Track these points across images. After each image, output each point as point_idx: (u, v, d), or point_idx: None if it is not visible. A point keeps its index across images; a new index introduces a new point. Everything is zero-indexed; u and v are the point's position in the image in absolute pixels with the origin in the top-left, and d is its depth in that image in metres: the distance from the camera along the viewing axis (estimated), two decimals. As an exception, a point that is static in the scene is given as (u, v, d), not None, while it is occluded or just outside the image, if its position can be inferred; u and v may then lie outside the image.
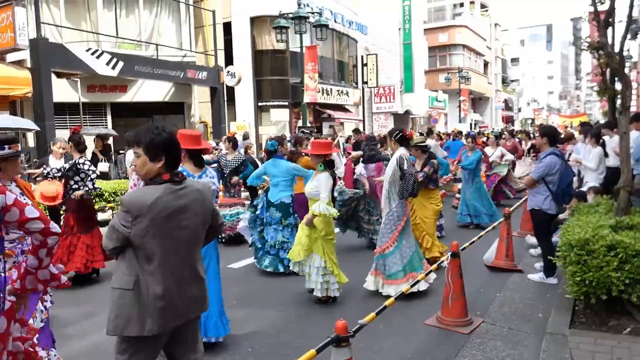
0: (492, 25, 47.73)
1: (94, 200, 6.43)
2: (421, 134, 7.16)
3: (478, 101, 45.64)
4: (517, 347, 3.96)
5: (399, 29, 29.03)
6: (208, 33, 17.04)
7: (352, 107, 24.92)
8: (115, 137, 14.51)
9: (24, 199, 3.32)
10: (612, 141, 7.34)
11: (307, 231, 4.96)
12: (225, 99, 17.29)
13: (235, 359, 3.89)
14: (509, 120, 52.75)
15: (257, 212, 6.39)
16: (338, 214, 4.86)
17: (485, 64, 45.21)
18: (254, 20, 19.59)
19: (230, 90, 18.06)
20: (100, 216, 8.71)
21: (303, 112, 17.03)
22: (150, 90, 16.02)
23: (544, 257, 5.55)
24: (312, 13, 16.92)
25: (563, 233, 4.42)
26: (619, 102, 5.77)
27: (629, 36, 5.23)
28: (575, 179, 6.95)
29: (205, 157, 5.48)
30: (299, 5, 15.69)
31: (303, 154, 6.89)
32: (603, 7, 5.21)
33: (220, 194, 7.85)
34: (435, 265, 4.21)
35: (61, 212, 6.80)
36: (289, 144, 8.41)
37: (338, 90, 22.89)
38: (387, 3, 27.25)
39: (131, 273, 2.31)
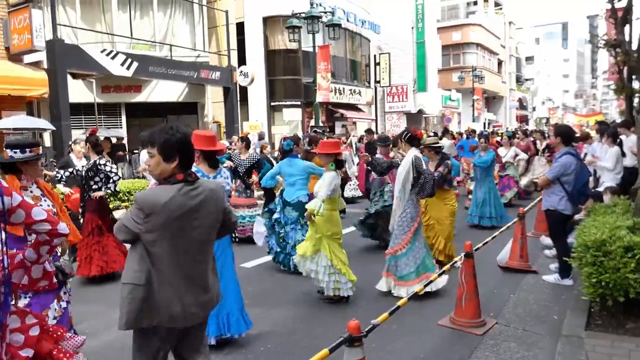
0: (506, 23, 47.29)
1: (108, 200, 6.51)
2: (435, 134, 7.12)
3: (492, 100, 45.27)
4: (532, 348, 3.92)
5: (412, 27, 28.90)
6: (221, 33, 17.12)
7: (365, 106, 24.87)
8: (120, 138, 14.68)
9: (45, 200, 3.39)
10: (629, 140, 7.24)
11: (313, 229, 4.97)
12: (238, 99, 17.37)
13: (249, 358, 3.91)
14: (523, 119, 52.23)
15: (276, 215, 6.39)
16: (322, 213, 4.82)
17: (500, 63, 44.81)
18: (266, 20, 19.64)
19: (243, 90, 18.14)
20: (116, 215, 8.80)
21: (315, 111, 17.04)
22: (164, 91, 16.16)
23: (559, 258, 5.49)
24: (325, 12, 16.92)
25: (579, 234, 4.36)
26: (636, 100, 5.69)
27: (646, 34, 5.15)
28: (591, 179, 6.86)
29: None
30: (311, 4, 15.71)
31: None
32: (620, 4, 5.15)
33: (233, 193, 7.88)
34: (448, 266, 4.18)
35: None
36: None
37: (350, 90, 22.86)
38: (400, 2, 27.16)
39: (142, 269, 2.34)
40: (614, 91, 6.36)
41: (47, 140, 12.81)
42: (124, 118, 16.18)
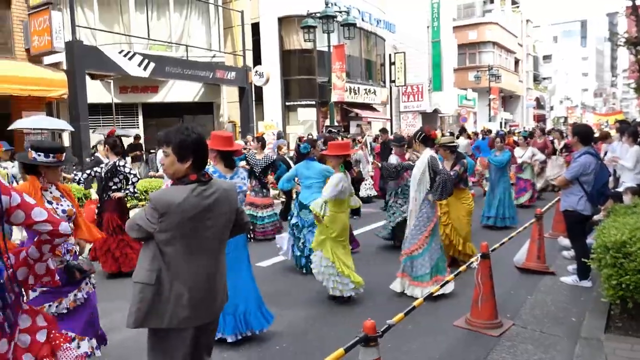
0: (523, 21, 46.74)
1: (126, 199, 6.59)
2: (451, 134, 7.07)
3: (508, 99, 44.79)
4: (549, 351, 3.87)
5: (428, 26, 28.73)
6: (237, 34, 17.22)
7: (380, 106, 24.80)
8: (137, 137, 14.79)
9: (65, 201, 3.45)
10: (650, 140, 7.10)
11: (319, 230, 4.99)
12: (254, 99, 17.45)
13: (264, 357, 3.93)
14: (540, 118, 51.59)
15: (293, 220, 6.40)
16: (326, 215, 4.83)
17: (516, 62, 44.32)
18: (281, 20, 19.70)
19: (258, 90, 18.22)
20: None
21: (330, 111, 17.04)
22: (180, 91, 16.30)
23: (578, 259, 5.41)
24: (340, 12, 16.92)
25: (598, 235, 4.30)
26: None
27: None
28: (611, 179, 6.75)
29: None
30: (326, 4, 15.73)
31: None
32: (641, 2, 5.05)
33: (249, 193, 7.92)
34: (464, 267, 4.15)
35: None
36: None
37: (365, 89, 22.81)
38: (415, 1, 27.01)
39: (153, 268, 2.36)
40: (635, 90, 6.24)
41: (66, 141, 13.02)
42: (140, 118, 16.36)
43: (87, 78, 12.31)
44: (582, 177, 5.21)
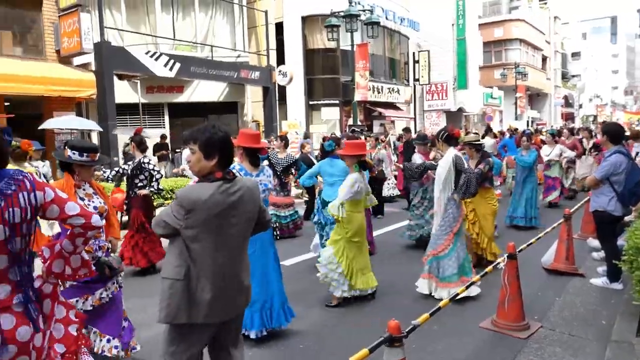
0: (551, 18, 45.77)
1: (152, 197, 6.72)
2: (475, 134, 6.98)
3: (536, 97, 43.95)
4: (578, 354, 3.79)
5: (452, 24, 28.39)
6: (261, 33, 17.32)
7: (403, 105, 24.63)
8: (163, 136, 14.93)
9: (97, 198, 3.54)
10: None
11: (336, 230, 4.97)
12: (277, 98, 17.52)
13: (287, 355, 3.94)
14: (569, 117, 50.48)
15: (315, 218, 6.42)
16: (343, 216, 4.81)
17: (544, 59, 43.44)
18: (305, 20, 19.73)
19: (282, 90, 18.29)
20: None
21: (354, 110, 17.00)
22: (205, 91, 16.48)
23: (608, 261, 5.28)
24: (364, 11, 16.86)
25: (630, 236, 4.19)
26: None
27: None
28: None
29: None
30: (350, 3, 15.67)
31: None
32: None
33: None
34: (490, 267, 4.09)
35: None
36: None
37: (389, 88, 22.68)
38: (440, -1, 26.74)
39: (181, 264, 2.40)
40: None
41: (95, 140, 13.29)
42: (166, 118, 16.60)
43: (115, 78, 12.54)
44: (612, 177, 5.08)
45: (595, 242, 6.49)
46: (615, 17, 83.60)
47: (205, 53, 15.48)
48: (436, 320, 3.69)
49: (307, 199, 10.06)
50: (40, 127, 10.16)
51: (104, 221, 3.59)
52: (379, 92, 21.65)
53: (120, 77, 13.74)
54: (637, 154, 7.70)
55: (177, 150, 14.83)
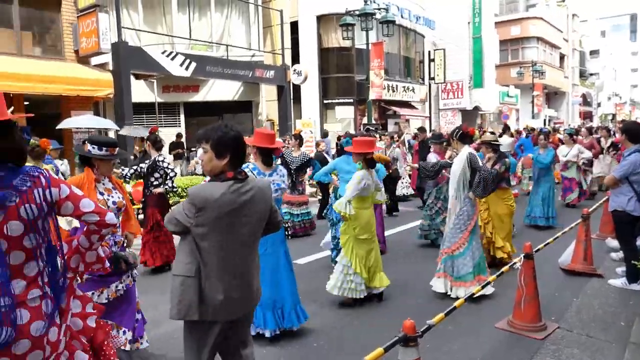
0: (569, 16, 45.12)
1: (168, 195, 6.78)
2: (492, 133, 6.92)
3: (553, 96, 43.38)
4: (596, 355, 3.74)
5: (469, 22, 28.13)
6: (276, 32, 17.35)
7: (419, 103, 24.49)
8: (180, 135, 15.04)
9: (116, 193, 3.60)
10: None
11: (343, 228, 4.94)
12: (292, 97, 17.55)
13: (301, 353, 3.95)
14: (587, 115, 49.74)
15: (329, 215, 6.42)
16: (350, 213, 4.79)
17: (562, 57, 42.86)
18: (320, 19, 19.72)
19: (297, 88, 18.31)
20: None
21: (368, 109, 16.95)
22: (220, 90, 16.57)
23: (627, 261, 5.20)
24: (379, 9, 16.78)
25: (650, 236, 4.12)
26: None
27: None
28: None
29: None
30: (365, 1, 15.61)
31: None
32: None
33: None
34: (507, 267, 4.04)
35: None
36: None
37: (404, 87, 22.57)
38: (456, -3, 26.52)
39: (192, 261, 2.42)
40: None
41: (112, 139, 13.43)
42: (182, 117, 16.73)
43: (132, 78, 12.66)
44: (632, 177, 5.00)
45: (614, 243, 6.40)
46: (635, 15, 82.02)
47: (221, 52, 15.57)
48: (451, 320, 3.66)
49: (320, 197, 10.06)
50: (58, 127, 10.30)
51: (120, 218, 3.64)
52: (393, 91, 21.56)
53: (137, 77, 13.88)
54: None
55: (193, 149, 14.94)
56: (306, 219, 8.16)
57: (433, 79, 25.06)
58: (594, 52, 64.84)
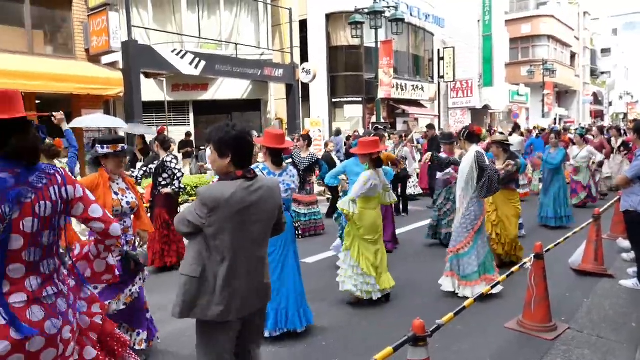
0: (580, 14, 44.72)
1: (178, 194, 6.81)
2: (501, 134, 6.88)
3: (564, 95, 43.04)
4: (607, 356, 3.71)
5: (478, 20, 27.99)
6: (285, 31, 17.36)
7: (428, 102, 24.40)
8: (189, 134, 15.07)
9: (129, 193, 3.62)
10: None
11: (348, 228, 4.92)
12: (300, 96, 17.56)
13: (308, 352, 3.96)
14: (598, 115, 49.30)
15: (336, 216, 6.42)
16: (354, 212, 4.76)
17: (573, 56, 42.49)
18: (329, 17, 19.71)
19: (305, 87, 18.32)
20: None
21: (377, 107, 16.92)
22: (229, 88, 16.62)
23: (638, 262, 5.15)
24: (388, 7, 16.75)
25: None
26: None
27: None
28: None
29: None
30: (374, 0, 15.58)
31: (382, 151, 6.82)
32: None
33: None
34: (516, 267, 4.02)
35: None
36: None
37: (413, 86, 22.50)
38: (466, -5, 26.39)
39: (198, 263, 2.42)
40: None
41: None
42: (191, 115, 16.80)
43: (142, 77, 12.72)
44: (644, 176, 4.94)
45: (625, 243, 6.34)
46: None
47: (230, 51, 15.60)
48: (460, 319, 3.65)
49: (329, 196, 10.06)
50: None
51: (132, 217, 3.68)
52: (402, 90, 21.50)
53: (147, 76, 13.94)
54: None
55: (202, 148, 15.00)
56: (314, 219, 8.15)
57: (442, 77, 24.96)
58: (605, 51, 64.16)
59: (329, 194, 10.20)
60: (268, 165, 3.98)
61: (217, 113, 16.55)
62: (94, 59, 12.04)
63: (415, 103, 23.07)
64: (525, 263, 4.17)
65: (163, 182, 6.25)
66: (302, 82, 17.53)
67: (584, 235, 5.88)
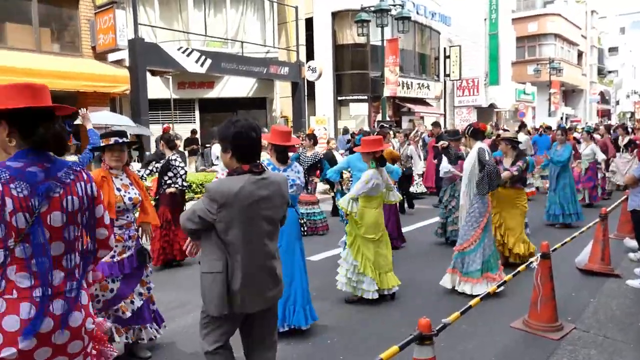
0: (588, 12, 44.43)
1: (183, 192, 6.82)
2: (506, 130, 6.86)
3: (570, 94, 42.80)
4: (613, 357, 3.69)
5: (485, 19, 27.86)
6: (290, 29, 17.36)
7: (433, 100, 24.33)
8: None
9: (132, 189, 3.64)
10: None
11: (349, 227, 4.90)
12: (306, 94, 17.55)
13: (313, 350, 3.96)
14: (605, 113, 49.00)
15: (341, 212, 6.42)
16: (353, 211, 4.74)
17: (580, 54, 42.24)
18: (335, 15, 19.68)
19: (311, 85, 18.31)
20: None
21: (382, 106, 16.89)
22: (234, 86, 16.64)
23: (646, 262, 5.12)
24: (394, 5, 16.70)
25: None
26: None
27: None
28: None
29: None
30: (380, -2, 15.55)
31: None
32: None
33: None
34: (523, 267, 4.00)
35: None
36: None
37: (419, 84, 22.45)
38: (472, -7, 26.27)
39: (219, 257, 2.44)
40: None
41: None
42: (197, 113, 16.84)
43: (148, 74, 12.75)
44: (652, 176, 4.92)
45: (632, 243, 6.30)
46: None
47: (236, 49, 15.62)
48: (465, 318, 3.64)
49: (334, 194, 10.05)
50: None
51: (135, 213, 3.70)
52: (408, 88, 21.45)
53: (153, 73, 13.98)
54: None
55: (207, 145, 15.03)
56: (314, 219, 8.11)
57: (448, 75, 24.88)
58: (612, 49, 63.76)
59: (333, 192, 10.19)
60: (273, 161, 3.99)
61: (223, 111, 16.56)
62: (101, 56, 12.08)
63: (421, 101, 23.02)
64: (531, 262, 4.15)
65: (168, 181, 6.27)
66: (307, 80, 17.52)
67: (591, 234, 5.84)
